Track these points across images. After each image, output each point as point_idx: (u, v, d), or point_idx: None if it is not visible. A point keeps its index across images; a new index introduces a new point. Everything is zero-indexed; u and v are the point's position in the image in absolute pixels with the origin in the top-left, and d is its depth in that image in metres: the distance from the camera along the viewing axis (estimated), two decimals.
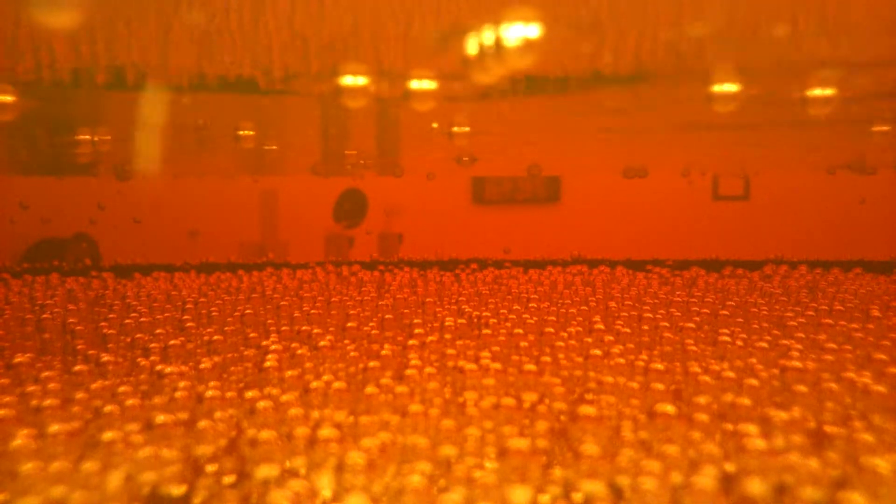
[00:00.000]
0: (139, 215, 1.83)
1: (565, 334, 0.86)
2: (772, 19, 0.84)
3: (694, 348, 0.81)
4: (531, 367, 0.69)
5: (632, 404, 0.63)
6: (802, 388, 0.64)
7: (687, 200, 2.15)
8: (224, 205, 2.01)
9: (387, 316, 0.96)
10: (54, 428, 0.53)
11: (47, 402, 0.60)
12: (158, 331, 0.89)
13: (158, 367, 0.72)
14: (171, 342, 0.82)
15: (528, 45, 0.71)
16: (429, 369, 0.69)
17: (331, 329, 0.94)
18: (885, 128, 1.27)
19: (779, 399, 0.64)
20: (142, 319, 0.96)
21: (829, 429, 0.56)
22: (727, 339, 0.82)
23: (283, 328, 0.90)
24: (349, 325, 0.93)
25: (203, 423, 0.57)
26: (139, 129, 1.33)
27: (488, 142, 1.48)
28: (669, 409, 0.56)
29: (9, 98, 1.07)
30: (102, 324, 0.92)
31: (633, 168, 1.64)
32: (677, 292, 1.20)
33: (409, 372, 0.68)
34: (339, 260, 1.72)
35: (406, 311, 1.02)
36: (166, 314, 1.01)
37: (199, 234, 1.93)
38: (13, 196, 1.73)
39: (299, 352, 0.78)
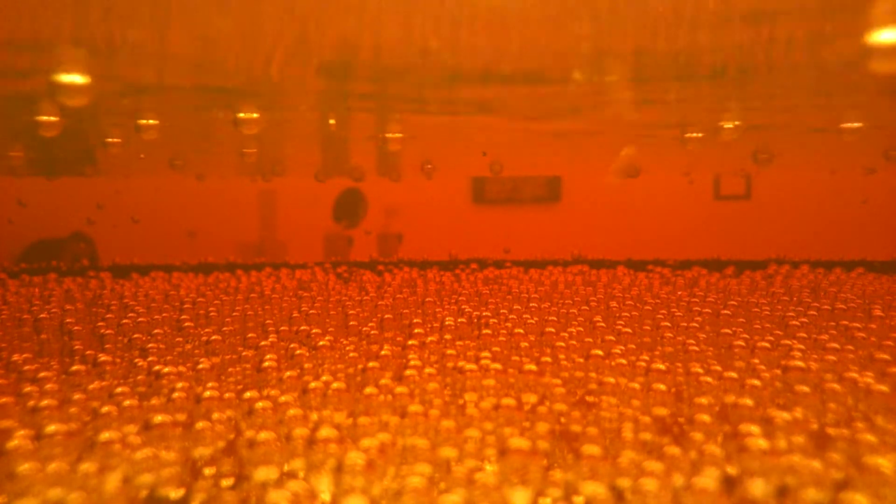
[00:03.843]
0: (137, 215, 1.82)
1: (566, 334, 0.85)
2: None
3: (695, 349, 0.80)
4: (532, 367, 0.69)
5: (633, 405, 0.62)
6: (805, 389, 0.63)
7: (688, 200, 2.15)
8: (223, 205, 2.00)
9: (386, 316, 0.95)
10: (52, 429, 0.53)
11: (45, 402, 0.60)
12: (156, 331, 0.89)
13: (156, 368, 0.72)
14: (170, 342, 0.82)
15: None
16: (428, 370, 0.68)
17: (330, 329, 0.93)
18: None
19: (781, 400, 0.63)
20: (140, 320, 0.95)
21: (831, 430, 0.56)
22: (729, 339, 0.82)
23: (282, 328, 0.89)
24: (349, 324, 0.93)
25: (201, 425, 0.56)
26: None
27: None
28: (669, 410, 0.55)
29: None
30: (100, 324, 0.92)
31: (624, 167, 1.64)
32: (679, 292, 1.20)
33: (408, 372, 0.68)
34: (339, 260, 1.71)
35: (406, 311, 1.02)
36: (164, 314, 1.00)
37: (197, 234, 1.92)
38: (11, 196, 1.72)
39: (298, 352, 0.77)
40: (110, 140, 1.33)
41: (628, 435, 0.55)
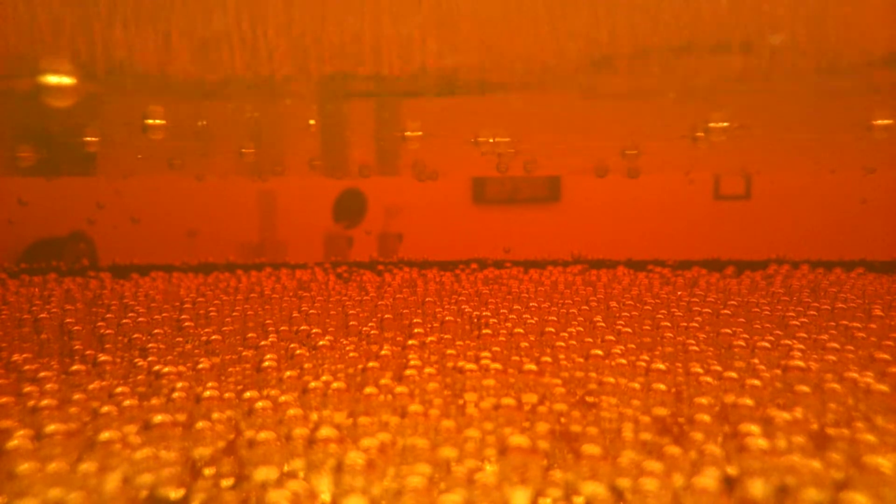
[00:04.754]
0: (137, 215, 1.82)
1: (566, 334, 0.85)
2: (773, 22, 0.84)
3: (695, 349, 0.80)
4: (532, 367, 0.69)
5: (633, 405, 0.62)
6: (805, 389, 0.63)
7: (688, 200, 2.15)
8: (223, 205, 2.00)
9: (386, 316, 0.95)
10: (52, 428, 0.53)
11: (45, 402, 0.60)
12: (156, 331, 0.89)
13: (156, 368, 0.71)
14: (170, 342, 0.82)
15: None
16: (428, 370, 0.68)
17: (330, 329, 0.93)
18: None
19: (781, 400, 0.63)
20: (139, 319, 0.95)
21: (831, 430, 0.56)
22: (729, 339, 0.82)
23: (282, 328, 0.89)
24: (349, 324, 0.93)
25: (201, 425, 0.56)
26: None
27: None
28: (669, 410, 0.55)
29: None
30: (100, 324, 0.92)
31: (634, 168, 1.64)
32: (679, 292, 1.20)
33: (408, 372, 0.68)
34: (339, 260, 1.71)
35: (406, 311, 1.02)
36: (164, 314, 1.00)
37: (197, 234, 1.92)
38: (11, 196, 1.72)
39: (298, 352, 0.77)
40: (89, 139, 1.32)
41: (628, 435, 0.55)
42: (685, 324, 0.91)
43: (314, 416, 0.61)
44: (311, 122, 1.31)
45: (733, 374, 0.68)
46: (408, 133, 1.28)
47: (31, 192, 1.77)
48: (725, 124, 1.18)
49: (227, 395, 0.63)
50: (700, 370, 0.69)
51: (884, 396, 0.62)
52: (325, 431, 0.52)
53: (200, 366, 0.73)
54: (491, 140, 1.32)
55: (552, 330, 0.86)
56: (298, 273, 1.49)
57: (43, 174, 1.75)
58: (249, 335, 0.87)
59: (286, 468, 0.51)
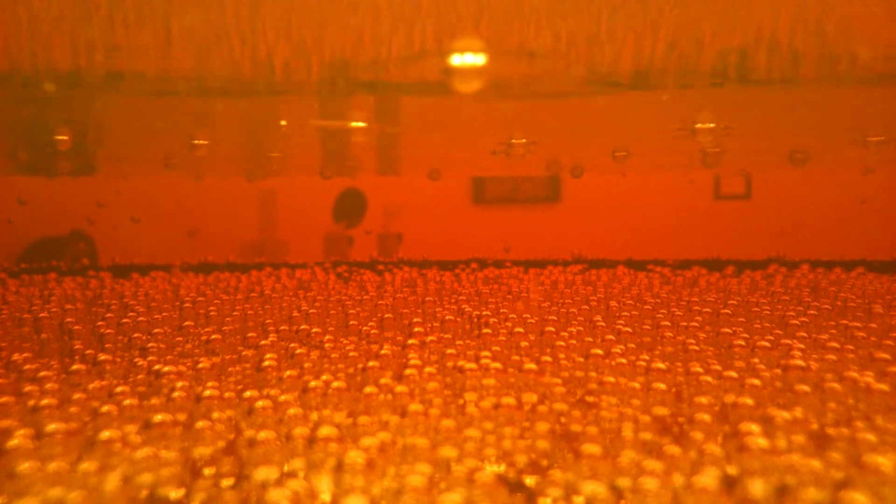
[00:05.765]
0: (137, 215, 1.82)
1: (566, 334, 0.85)
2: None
3: (695, 348, 0.80)
4: (532, 366, 0.69)
5: (633, 405, 0.62)
6: (805, 388, 0.63)
7: (688, 200, 2.15)
8: (223, 205, 2.00)
9: (386, 316, 0.95)
10: (52, 428, 0.53)
11: (45, 401, 0.60)
12: (156, 330, 0.89)
13: (156, 367, 0.71)
14: (170, 342, 0.82)
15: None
16: (428, 369, 0.68)
17: (330, 329, 0.93)
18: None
19: (781, 399, 0.63)
20: (140, 319, 0.95)
21: (831, 429, 0.56)
22: (729, 338, 0.82)
23: (282, 328, 0.89)
24: (349, 324, 0.93)
25: (201, 424, 0.56)
26: None
27: None
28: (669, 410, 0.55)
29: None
30: (100, 323, 0.92)
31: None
32: (679, 292, 1.20)
33: (408, 372, 0.68)
34: (339, 260, 1.71)
35: (406, 310, 1.02)
36: (164, 314, 1.00)
37: (197, 234, 1.92)
38: (11, 195, 1.72)
39: (298, 351, 0.77)
40: (87, 139, 1.33)
41: (628, 434, 0.55)
42: (685, 323, 0.91)
43: (314, 416, 0.61)
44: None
45: (733, 374, 0.68)
46: None
47: (31, 191, 1.77)
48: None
49: (227, 394, 0.63)
50: (700, 370, 0.69)
51: (884, 396, 0.62)
52: (326, 431, 0.52)
53: (200, 365, 0.73)
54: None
55: (552, 329, 0.86)
56: (298, 273, 1.49)
57: (43, 174, 1.75)
58: (249, 335, 0.87)
59: (286, 468, 0.51)
